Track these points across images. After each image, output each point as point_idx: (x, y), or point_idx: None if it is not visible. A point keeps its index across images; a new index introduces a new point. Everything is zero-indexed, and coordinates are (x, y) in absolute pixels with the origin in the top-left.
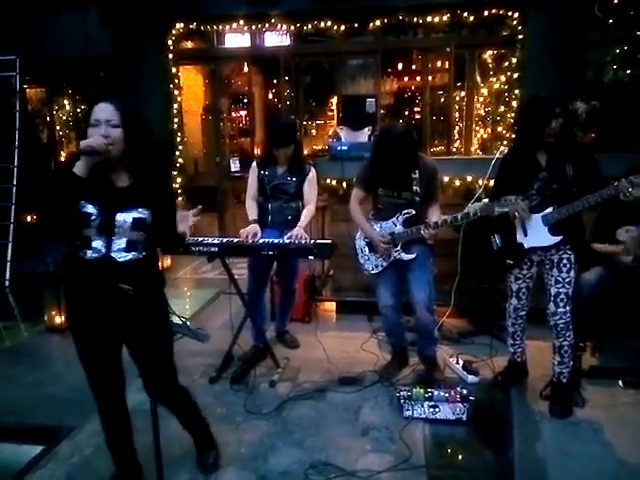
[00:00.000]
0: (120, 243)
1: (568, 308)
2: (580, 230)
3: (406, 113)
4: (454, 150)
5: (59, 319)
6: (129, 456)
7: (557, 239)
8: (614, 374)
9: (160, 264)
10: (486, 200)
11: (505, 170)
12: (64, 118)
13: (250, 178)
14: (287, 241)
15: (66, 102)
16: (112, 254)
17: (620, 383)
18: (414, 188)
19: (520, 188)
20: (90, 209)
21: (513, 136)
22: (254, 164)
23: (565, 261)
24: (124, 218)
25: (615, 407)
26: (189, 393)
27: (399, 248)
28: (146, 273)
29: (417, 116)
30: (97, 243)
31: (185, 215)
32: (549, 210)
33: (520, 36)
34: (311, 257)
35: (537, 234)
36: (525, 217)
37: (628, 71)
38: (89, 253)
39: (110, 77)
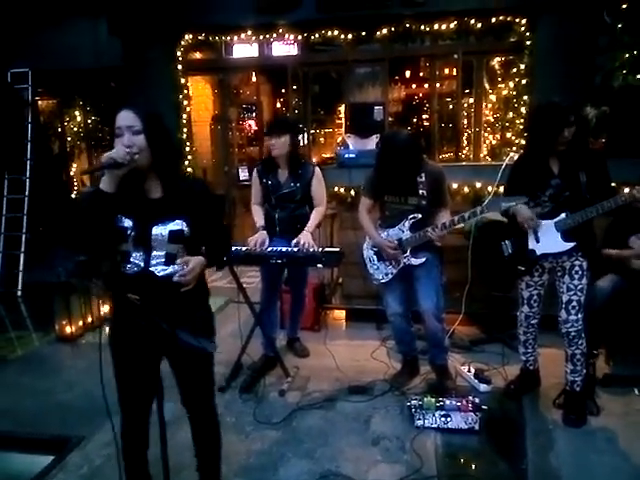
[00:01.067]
0: (159, 256)
1: (580, 316)
2: (592, 237)
3: (414, 120)
4: (463, 157)
5: (69, 329)
6: (142, 468)
7: (570, 246)
8: (629, 382)
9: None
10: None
11: (516, 176)
12: (75, 129)
13: (253, 186)
14: (295, 249)
15: (77, 113)
16: (151, 268)
17: (635, 391)
18: (420, 192)
19: (531, 194)
20: (126, 223)
21: (524, 142)
22: (255, 172)
23: (577, 268)
24: (160, 231)
25: (630, 415)
26: (219, 425)
27: (408, 254)
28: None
29: (425, 123)
30: (135, 257)
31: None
32: (562, 217)
33: (528, 42)
34: (319, 265)
35: (549, 240)
36: (533, 226)
37: (638, 76)
38: (128, 267)
39: (120, 87)
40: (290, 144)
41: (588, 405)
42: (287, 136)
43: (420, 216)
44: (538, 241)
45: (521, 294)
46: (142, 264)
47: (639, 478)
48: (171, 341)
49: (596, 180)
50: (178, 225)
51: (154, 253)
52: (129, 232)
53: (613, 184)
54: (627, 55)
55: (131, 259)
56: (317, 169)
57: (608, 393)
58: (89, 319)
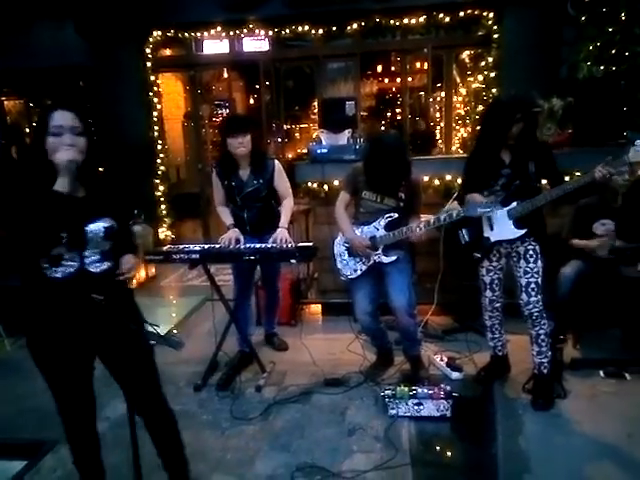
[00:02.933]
0: (93, 254)
1: (540, 297)
2: (542, 223)
3: (388, 114)
4: (436, 150)
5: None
6: (98, 477)
7: (521, 232)
8: (595, 365)
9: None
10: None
11: (471, 168)
12: None
13: (215, 188)
14: (271, 245)
15: None
16: (87, 267)
17: (601, 373)
18: (399, 194)
19: (485, 184)
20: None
21: (478, 135)
22: (214, 174)
23: (531, 252)
24: (93, 229)
25: (597, 397)
26: (175, 419)
27: (379, 251)
28: (118, 281)
29: (398, 117)
30: (69, 258)
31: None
32: (513, 205)
33: (496, 35)
34: (293, 261)
35: (502, 228)
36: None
37: (602, 67)
38: (59, 270)
39: (89, 87)
40: (252, 142)
41: (556, 389)
42: (249, 135)
43: (397, 216)
44: (492, 229)
45: (482, 280)
46: (78, 264)
47: (604, 456)
48: (111, 339)
49: (544, 169)
50: (109, 222)
51: (87, 252)
52: (63, 234)
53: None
54: (591, 47)
55: (63, 262)
56: (277, 162)
57: (575, 376)
58: None
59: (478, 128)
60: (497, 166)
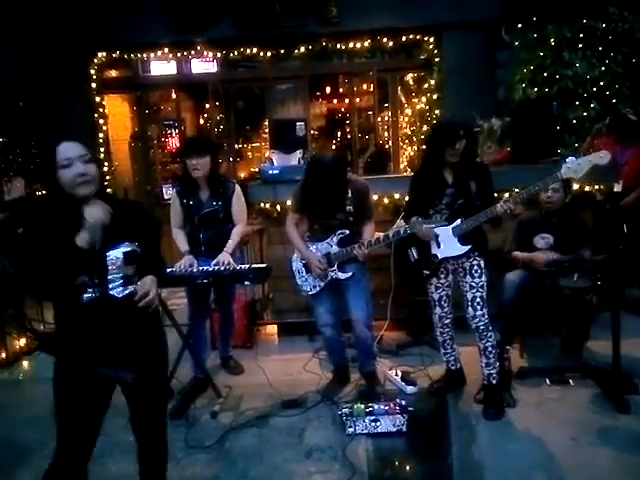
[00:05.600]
0: (116, 279)
1: (485, 310)
2: (484, 238)
3: (338, 134)
4: (384, 169)
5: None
6: None
7: (466, 248)
8: (541, 373)
9: None
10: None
11: (416, 186)
12: None
13: (172, 208)
14: (221, 267)
15: None
16: (111, 292)
17: (547, 381)
18: (347, 208)
19: (430, 203)
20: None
21: (422, 155)
22: (174, 193)
23: (476, 267)
24: (115, 255)
25: (543, 404)
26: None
27: (335, 268)
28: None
29: (348, 136)
30: (91, 284)
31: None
32: (457, 222)
33: (437, 59)
34: (247, 282)
35: (449, 245)
36: (431, 237)
37: (535, 89)
38: (85, 297)
39: (30, 107)
40: (210, 164)
41: (505, 398)
42: (208, 157)
43: (348, 232)
44: (439, 246)
45: (432, 297)
46: (101, 289)
47: (552, 460)
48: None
49: (483, 189)
50: (130, 246)
51: (110, 276)
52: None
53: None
54: (525, 70)
55: (87, 288)
56: (237, 187)
57: (523, 385)
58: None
59: (423, 148)
60: (441, 185)
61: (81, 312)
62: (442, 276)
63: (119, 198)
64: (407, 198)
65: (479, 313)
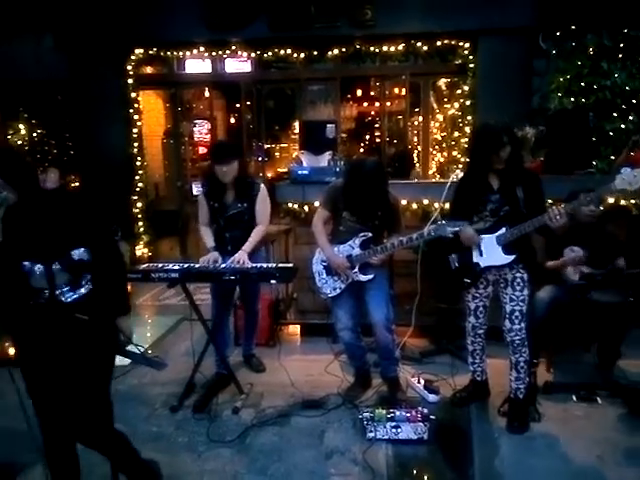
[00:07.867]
0: (64, 286)
1: (523, 325)
2: (531, 250)
3: (367, 137)
4: (414, 171)
5: (11, 351)
6: None
7: (510, 258)
8: (568, 389)
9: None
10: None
11: (460, 193)
12: (19, 142)
13: (200, 207)
14: (248, 265)
15: (21, 126)
16: (58, 297)
17: (573, 397)
18: (378, 214)
19: (474, 210)
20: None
21: (467, 161)
22: (201, 194)
23: (519, 280)
24: (61, 261)
25: (569, 421)
26: (127, 441)
27: (357, 270)
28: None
29: (377, 140)
30: (42, 289)
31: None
32: (502, 231)
33: (471, 65)
34: (273, 281)
35: (492, 254)
36: (474, 243)
37: (572, 99)
38: (34, 300)
39: (67, 101)
40: (238, 168)
41: (530, 412)
42: (236, 162)
43: (370, 235)
44: (482, 254)
45: (468, 306)
46: (48, 294)
47: (576, 478)
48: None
49: (532, 197)
50: (78, 254)
51: (57, 282)
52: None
53: (549, 201)
54: (561, 79)
55: (38, 292)
56: (262, 187)
57: (549, 400)
58: None
59: (467, 154)
60: (485, 192)
61: (32, 313)
62: (481, 286)
63: (72, 197)
64: (448, 204)
65: (516, 327)
